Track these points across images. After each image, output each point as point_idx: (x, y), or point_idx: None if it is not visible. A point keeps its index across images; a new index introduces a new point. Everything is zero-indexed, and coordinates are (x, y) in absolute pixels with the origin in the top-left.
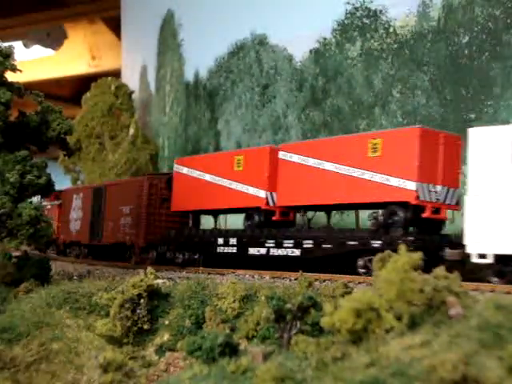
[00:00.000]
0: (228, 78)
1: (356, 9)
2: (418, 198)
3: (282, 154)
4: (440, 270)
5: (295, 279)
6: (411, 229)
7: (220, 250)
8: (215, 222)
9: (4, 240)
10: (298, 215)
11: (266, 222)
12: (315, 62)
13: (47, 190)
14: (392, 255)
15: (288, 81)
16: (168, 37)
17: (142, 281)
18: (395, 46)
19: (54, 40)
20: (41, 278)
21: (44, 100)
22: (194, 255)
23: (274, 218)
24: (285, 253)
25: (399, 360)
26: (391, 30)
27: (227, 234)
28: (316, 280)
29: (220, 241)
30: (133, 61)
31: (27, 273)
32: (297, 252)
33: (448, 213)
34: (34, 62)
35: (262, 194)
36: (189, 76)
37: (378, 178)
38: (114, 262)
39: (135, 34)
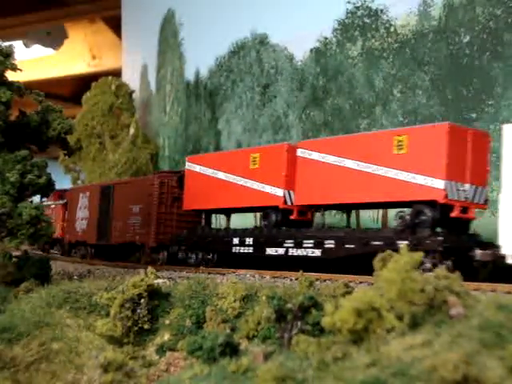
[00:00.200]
0: (228, 78)
1: (357, 8)
2: (446, 196)
3: (300, 152)
4: (441, 270)
5: (296, 279)
6: (438, 229)
7: (235, 249)
8: (228, 220)
9: (4, 240)
10: (318, 214)
11: (283, 222)
12: (316, 62)
13: (47, 189)
14: (393, 255)
15: (289, 80)
16: (168, 36)
17: (142, 280)
18: (396, 45)
19: (54, 39)
20: (41, 278)
21: (44, 99)
22: (208, 255)
23: (292, 217)
24: (304, 253)
25: (400, 360)
26: (392, 29)
27: (243, 233)
28: (317, 280)
29: (235, 240)
30: (133, 60)
31: (27, 272)
32: (317, 252)
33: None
34: (34, 62)
35: (279, 192)
36: (189, 75)
37: (404, 176)
38: (124, 262)
39: (136, 33)
